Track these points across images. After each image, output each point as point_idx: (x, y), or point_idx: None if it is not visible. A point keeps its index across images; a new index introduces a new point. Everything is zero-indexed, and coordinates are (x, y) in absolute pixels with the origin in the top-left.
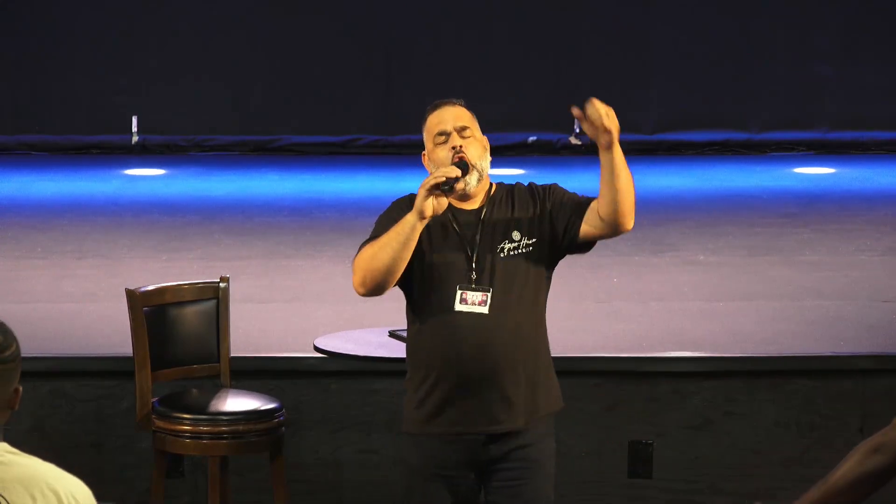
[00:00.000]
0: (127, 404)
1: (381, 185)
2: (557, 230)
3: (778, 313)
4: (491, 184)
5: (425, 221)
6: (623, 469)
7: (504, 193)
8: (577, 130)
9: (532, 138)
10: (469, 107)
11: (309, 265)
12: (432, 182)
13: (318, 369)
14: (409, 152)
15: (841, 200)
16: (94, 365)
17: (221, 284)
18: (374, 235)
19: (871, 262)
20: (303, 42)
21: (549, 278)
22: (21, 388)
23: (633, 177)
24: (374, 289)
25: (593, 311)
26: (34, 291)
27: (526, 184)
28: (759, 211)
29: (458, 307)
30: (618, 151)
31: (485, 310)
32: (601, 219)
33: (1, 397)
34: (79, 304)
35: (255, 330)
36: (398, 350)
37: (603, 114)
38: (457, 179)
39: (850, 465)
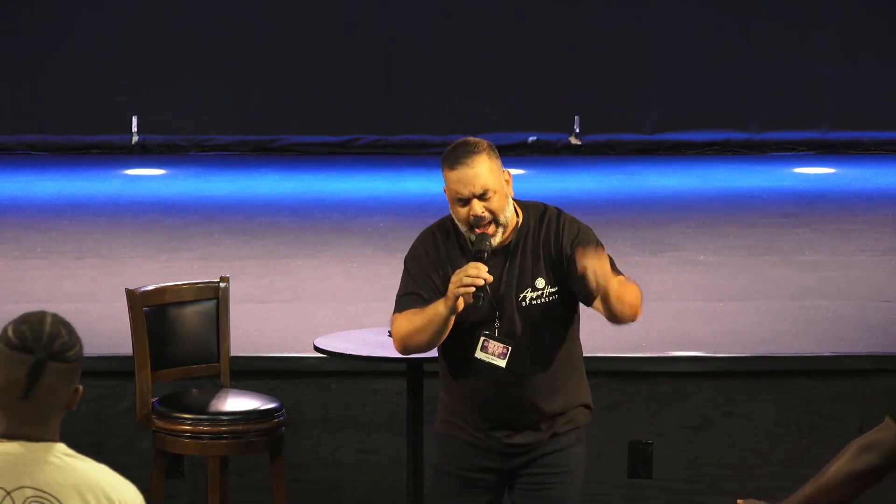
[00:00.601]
0: (127, 404)
1: (381, 185)
2: (573, 289)
3: (778, 313)
4: (518, 212)
5: (456, 313)
6: (623, 469)
7: (533, 225)
8: (577, 130)
9: (532, 138)
10: (489, 148)
11: (309, 265)
12: (461, 291)
13: (318, 369)
14: (409, 152)
15: (841, 200)
16: (94, 365)
17: (221, 284)
18: (405, 291)
19: (871, 262)
20: (303, 42)
21: (577, 307)
22: (81, 388)
23: (636, 288)
24: (417, 353)
25: (593, 311)
26: (34, 291)
27: (557, 213)
28: (759, 211)
29: (478, 354)
30: (613, 288)
31: (502, 363)
32: (604, 315)
33: (62, 397)
34: (79, 304)
35: (255, 330)
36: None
37: (591, 277)
38: (485, 287)
39: (841, 464)
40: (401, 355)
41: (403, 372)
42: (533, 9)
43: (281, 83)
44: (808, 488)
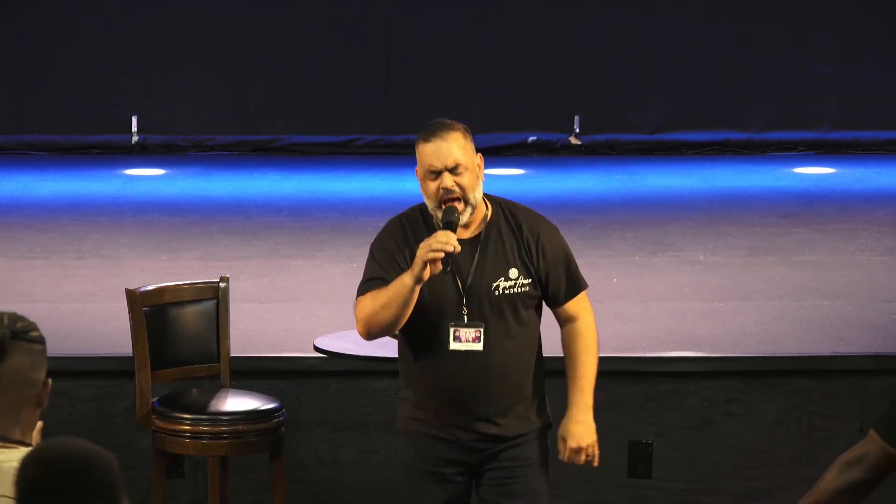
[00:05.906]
0: (127, 404)
1: (381, 185)
2: (543, 288)
3: (778, 313)
4: (486, 203)
5: (422, 283)
6: (623, 469)
7: (502, 220)
8: (577, 130)
9: (532, 138)
10: (465, 129)
11: (309, 265)
12: (430, 256)
13: (318, 369)
14: (408, 152)
15: (841, 200)
16: (94, 365)
17: (221, 284)
18: (370, 276)
19: (871, 262)
20: (303, 42)
21: (542, 307)
22: (50, 382)
23: (594, 349)
24: (379, 336)
25: (593, 311)
26: (34, 291)
27: (528, 211)
28: (759, 211)
29: (453, 346)
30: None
31: (479, 346)
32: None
33: (31, 382)
34: (79, 304)
35: (255, 330)
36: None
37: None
38: (453, 253)
39: (829, 480)
40: (364, 340)
41: None
42: (533, 9)
43: (281, 83)
44: None
